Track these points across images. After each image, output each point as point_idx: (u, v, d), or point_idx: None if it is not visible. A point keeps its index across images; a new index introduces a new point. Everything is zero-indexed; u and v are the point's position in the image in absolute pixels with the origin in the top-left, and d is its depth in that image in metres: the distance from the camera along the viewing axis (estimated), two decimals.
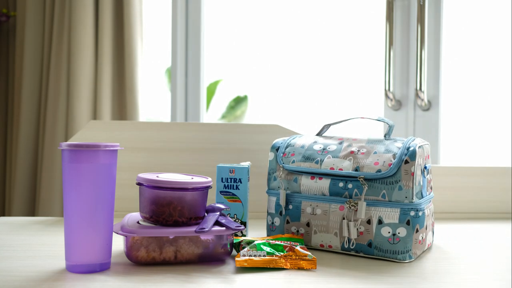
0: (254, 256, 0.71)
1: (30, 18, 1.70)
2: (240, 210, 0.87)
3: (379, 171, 0.76)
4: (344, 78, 1.65)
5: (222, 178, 0.87)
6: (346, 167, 0.79)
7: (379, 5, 1.62)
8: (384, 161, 0.77)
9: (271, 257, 0.71)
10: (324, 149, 0.84)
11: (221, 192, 0.87)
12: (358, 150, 0.81)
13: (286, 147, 0.88)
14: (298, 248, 0.74)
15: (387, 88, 1.48)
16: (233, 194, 0.87)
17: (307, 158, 0.84)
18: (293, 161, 0.84)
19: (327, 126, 0.92)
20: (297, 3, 1.70)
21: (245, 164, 0.89)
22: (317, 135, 0.92)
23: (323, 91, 1.65)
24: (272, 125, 1.18)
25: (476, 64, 1.57)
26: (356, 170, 0.78)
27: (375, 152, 0.79)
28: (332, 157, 0.82)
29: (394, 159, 0.76)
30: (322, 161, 0.82)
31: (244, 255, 0.71)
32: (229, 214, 0.87)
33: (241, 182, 0.87)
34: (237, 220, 0.86)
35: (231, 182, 0.87)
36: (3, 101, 1.80)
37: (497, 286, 0.65)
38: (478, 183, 1.20)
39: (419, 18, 1.44)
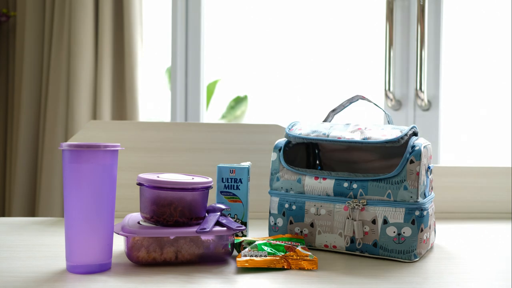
0: (255, 256, 0.71)
1: (30, 18, 1.69)
2: (241, 210, 0.86)
3: (386, 140, 0.78)
4: (344, 78, 1.65)
5: (222, 178, 0.87)
6: (354, 137, 0.80)
7: (379, 5, 1.62)
8: (391, 134, 0.78)
9: (272, 257, 0.71)
10: (331, 126, 0.85)
11: (221, 192, 0.87)
12: (365, 128, 0.82)
13: (293, 125, 0.89)
14: (299, 248, 0.73)
15: (387, 88, 1.48)
16: (234, 194, 0.87)
17: (314, 131, 0.85)
18: (300, 134, 0.85)
19: (332, 113, 0.93)
20: (297, 3, 1.70)
21: (246, 164, 0.89)
22: (323, 122, 0.92)
23: (323, 91, 1.65)
24: (272, 125, 1.18)
25: (476, 64, 1.57)
26: (364, 139, 0.79)
27: (382, 129, 0.81)
28: (340, 131, 0.83)
29: (401, 133, 0.78)
30: (329, 133, 0.83)
31: (245, 255, 0.71)
32: (230, 214, 0.86)
33: (241, 182, 0.86)
34: (237, 220, 0.86)
35: (231, 182, 0.87)
36: (3, 101, 1.80)
37: (497, 286, 0.65)
38: (478, 183, 1.20)
39: (419, 18, 1.44)
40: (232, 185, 0.87)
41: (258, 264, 0.70)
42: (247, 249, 0.73)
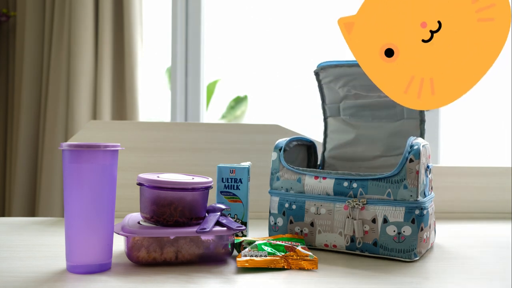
0: (255, 256, 0.71)
1: (30, 18, 1.69)
2: (241, 210, 0.86)
3: None
4: None
5: (222, 178, 0.87)
6: None
7: None
8: None
9: (272, 257, 0.71)
10: None
11: (221, 192, 0.87)
12: None
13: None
14: (299, 248, 0.73)
15: None
16: (234, 194, 0.87)
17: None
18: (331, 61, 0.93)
19: None
20: (297, 3, 1.70)
21: (246, 164, 0.89)
22: None
23: None
24: (272, 125, 1.18)
25: None
26: None
27: None
28: None
29: None
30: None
31: (245, 255, 0.71)
32: (230, 214, 0.86)
33: (241, 182, 0.87)
34: (237, 220, 0.86)
35: (231, 182, 0.87)
36: (3, 101, 1.80)
37: (497, 286, 0.65)
38: (478, 183, 1.20)
39: None
40: (232, 185, 0.87)
41: (258, 264, 0.70)
42: (247, 249, 0.73)
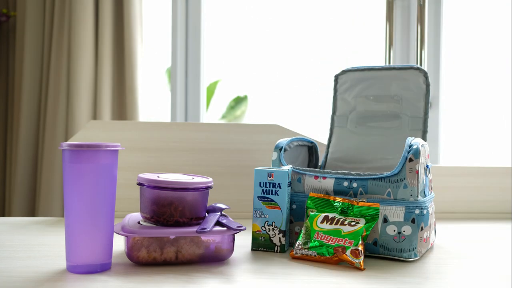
0: (306, 254, 0.75)
1: (30, 18, 1.69)
2: (279, 217, 0.80)
3: (408, 65, 0.92)
4: None
5: (260, 183, 0.81)
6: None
7: (379, 5, 1.62)
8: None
9: (320, 257, 0.74)
10: None
11: (259, 197, 0.81)
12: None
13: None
14: (348, 253, 0.72)
15: None
16: (272, 200, 0.80)
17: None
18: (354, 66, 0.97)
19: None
20: (297, 3, 1.70)
21: (286, 168, 0.83)
22: None
23: (323, 91, 1.65)
24: (272, 125, 1.18)
25: (476, 64, 1.57)
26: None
27: None
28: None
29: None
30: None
31: (297, 253, 0.76)
32: (267, 221, 0.81)
33: (280, 187, 0.80)
34: (275, 228, 0.81)
35: (269, 187, 0.80)
36: (3, 101, 1.80)
37: (497, 286, 0.65)
38: (478, 183, 1.20)
39: (419, 18, 1.44)
40: (270, 190, 0.80)
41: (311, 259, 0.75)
42: (299, 246, 0.76)
